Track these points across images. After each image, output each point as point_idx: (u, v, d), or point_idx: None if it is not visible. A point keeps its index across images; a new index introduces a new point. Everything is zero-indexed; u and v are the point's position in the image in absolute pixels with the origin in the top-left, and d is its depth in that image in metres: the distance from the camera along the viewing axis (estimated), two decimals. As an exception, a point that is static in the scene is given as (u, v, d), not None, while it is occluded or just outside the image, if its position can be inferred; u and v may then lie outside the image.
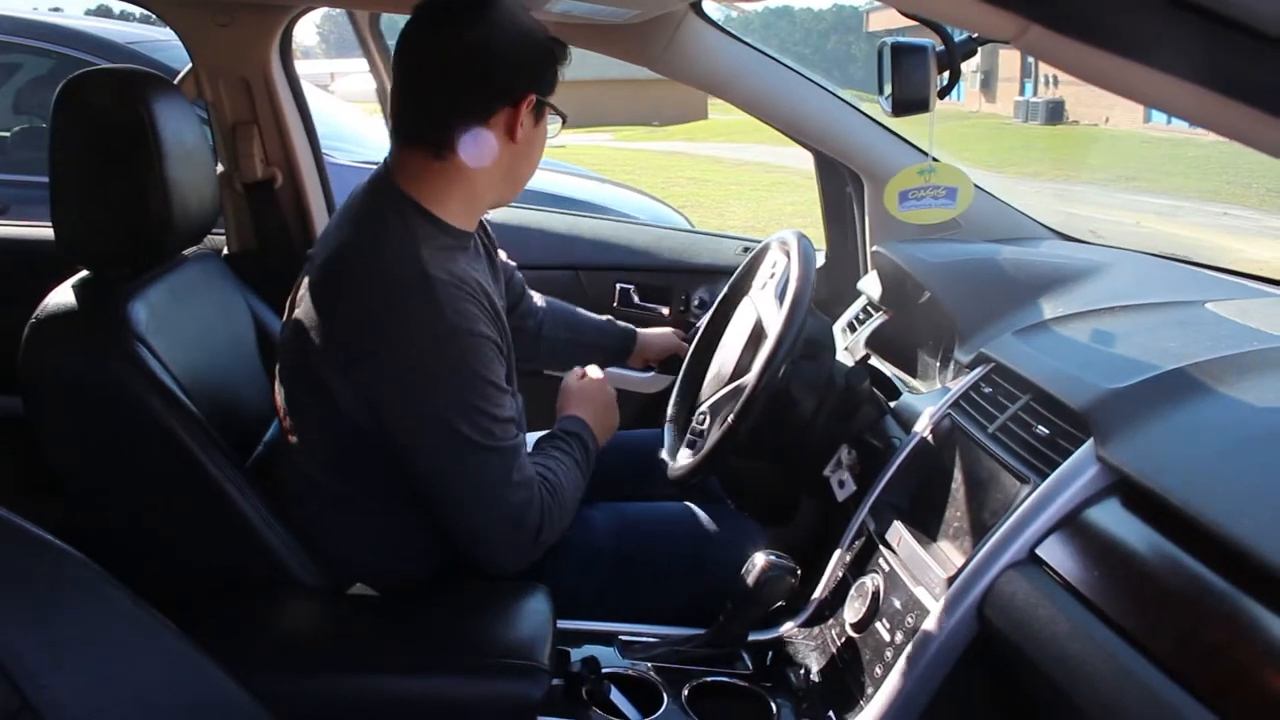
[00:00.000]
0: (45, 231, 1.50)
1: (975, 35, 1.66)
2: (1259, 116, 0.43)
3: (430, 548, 1.53)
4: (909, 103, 1.67)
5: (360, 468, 1.48)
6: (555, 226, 2.69)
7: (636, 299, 2.54)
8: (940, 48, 1.65)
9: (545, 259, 2.55)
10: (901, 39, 1.68)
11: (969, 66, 1.78)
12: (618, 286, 2.55)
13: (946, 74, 1.66)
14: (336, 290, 1.42)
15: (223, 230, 2.31)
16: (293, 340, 1.47)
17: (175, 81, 2.11)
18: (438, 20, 1.44)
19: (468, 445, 1.38)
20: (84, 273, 1.53)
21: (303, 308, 1.45)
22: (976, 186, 2.04)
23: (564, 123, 1.56)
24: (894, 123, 2.00)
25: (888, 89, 1.73)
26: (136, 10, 2.34)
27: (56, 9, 5.40)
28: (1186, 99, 0.45)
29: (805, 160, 2.29)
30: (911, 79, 1.65)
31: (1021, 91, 28.05)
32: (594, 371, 1.78)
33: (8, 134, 4.35)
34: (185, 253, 1.65)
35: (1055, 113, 26.04)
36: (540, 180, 4.86)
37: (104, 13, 6.89)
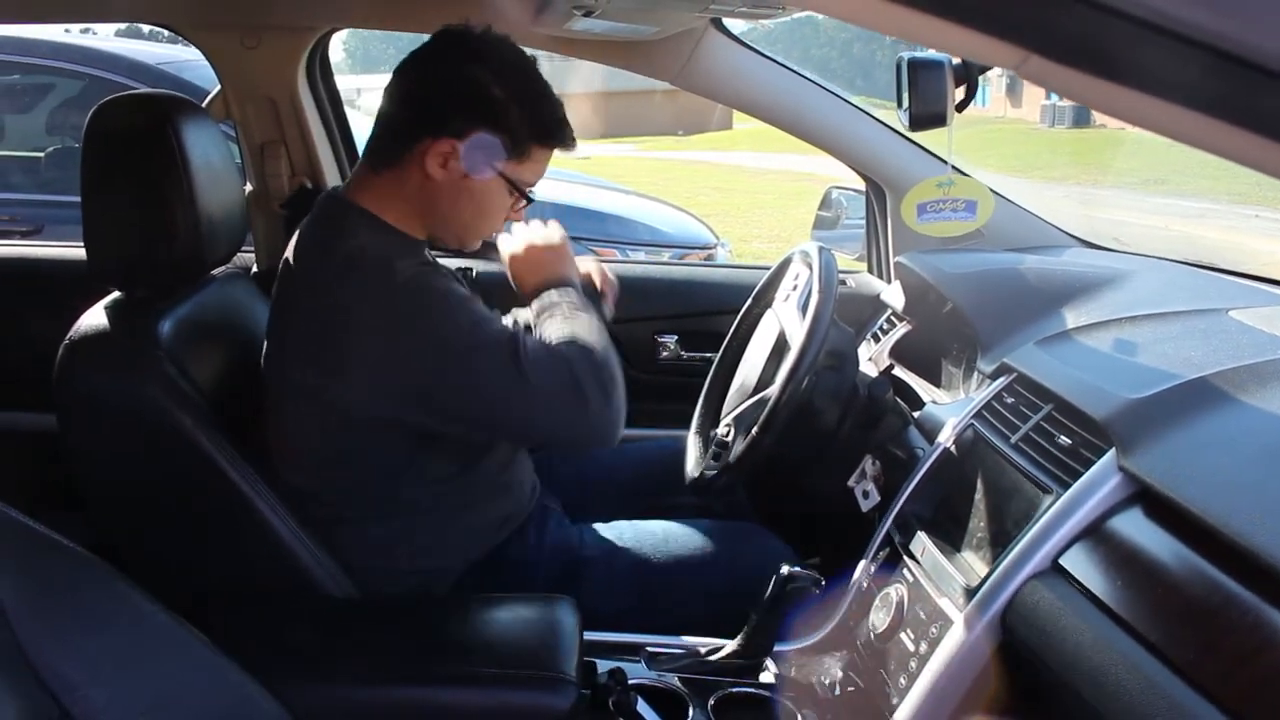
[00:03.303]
0: (78, 251, 1.53)
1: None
2: (1262, 143, 0.44)
3: (445, 550, 1.58)
4: (927, 117, 1.68)
5: (346, 474, 1.54)
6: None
7: (683, 351, 2.40)
8: (958, 61, 1.66)
9: None
10: (919, 53, 1.69)
11: (995, 71, 1.78)
12: (657, 340, 2.41)
13: (964, 87, 1.67)
14: (293, 294, 1.53)
15: (251, 248, 2.34)
16: (273, 354, 1.56)
17: (205, 103, 2.15)
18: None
19: (479, 356, 1.42)
20: (116, 294, 1.56)
21: (272, 322, 1.57)
22: (999, 195, 2.04)
23: (524, 202, 1.60)
24: (916, 133, 2.01)
25: (906, 103, 1.73)
26: (165, 31, 2.37)
27: (87, 30, 5.47)
28: (1191, 126, 0.45)
29: (830, 168, 2.30)
30: (929, 94, 1.65)
31: (1048, 96, 27.88)
32: (534, 229, 1.73)
33: (41, 155, 4.42)
34: (215, 272, 1.68)
35: (1082, 116, 25.85)
36: (565, 194, 4.91)
37: (134, 34, 6.96)
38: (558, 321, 1.51)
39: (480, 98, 1.48)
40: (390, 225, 1.53)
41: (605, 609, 1.60)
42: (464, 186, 1.51)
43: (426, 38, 1.55)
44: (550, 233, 1.71)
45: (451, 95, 1.49)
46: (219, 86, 2.22)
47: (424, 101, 1.51)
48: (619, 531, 1.72)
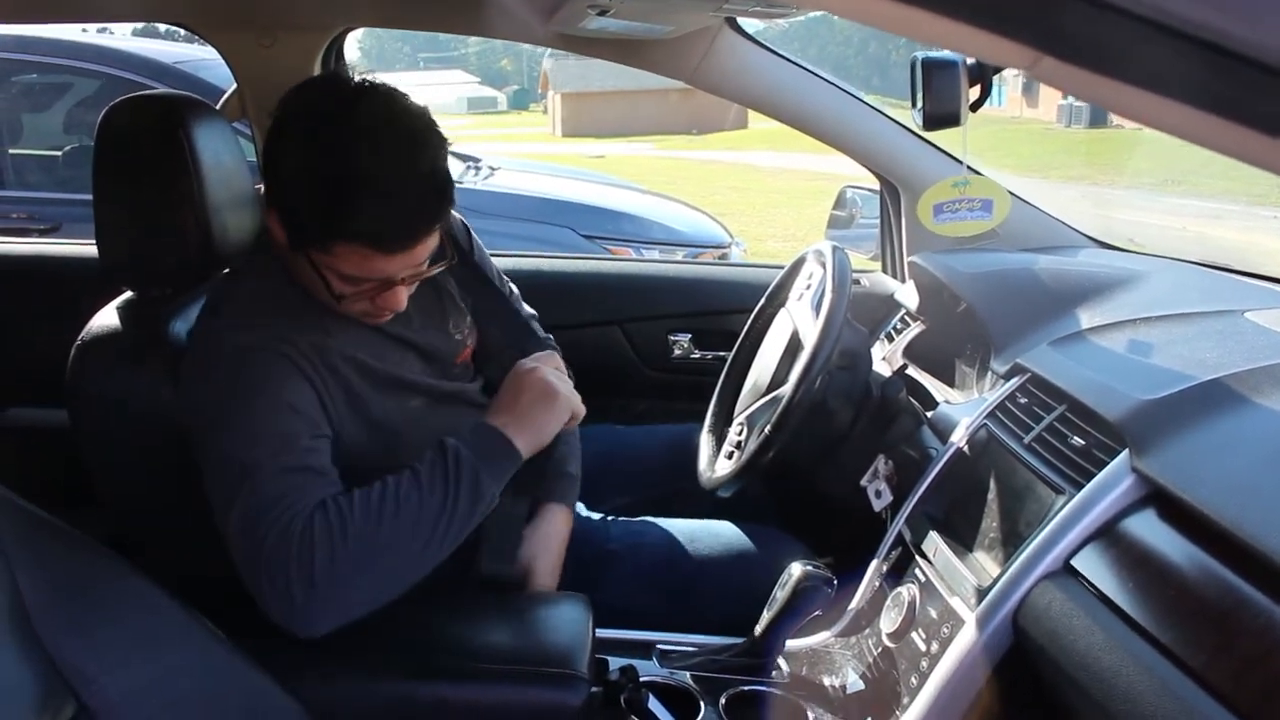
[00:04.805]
0: (94, 249, 1.54)
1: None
2: (1275, 145, 0.44)
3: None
4: (940, 117, 1.68)
5: None
6: (587, 278, 2.49)
7: (695, 350, 2.40)
8: (972, 61, 1.66)
9: (582, 316, 2.38)
10: (933, 53, 1.69)
11: (1010, 70, 1.78)
12: (670, 338, 2.41)
13: (979, 87, 1.67)
14: None
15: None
16: None
17: (220, 102, 2.16)
18: None
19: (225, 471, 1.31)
20: (128, 293, 1.57)
21: None
22: (1014, 195, 2.04)
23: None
24: (931, 132, 2.00)
25: (920, 103, 1.73)
26: (182, 30, 2.39)
27: (104, 30, 5.51)
28: (1203, 127, 0.45)
29: (846, 167, 2.30)
30: (942, 93, 1.65)
31: (1064, 95, 27.68)
32: (550, 362, 1.49)
33: (59, 153, 4.45)
34: (226, 272, 1.69)
35: (1099, 116, 25.74)
36: (580, 192, 4.91)
37: (150, 33, 6.99)
38: (404, 489, 1.30)
39: (281, 172, 1.37)
40: (282, 270, 1.46)
41: (627, 603, 1.61)
42: (291, 254, 1.41)
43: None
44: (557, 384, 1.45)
45: (270, 160, 1.39)
46: (234, 85, 2.23)
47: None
48: (646, 528, 1.73)
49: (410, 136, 1.33)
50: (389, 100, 1.35)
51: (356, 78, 1.39)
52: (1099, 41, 0.43)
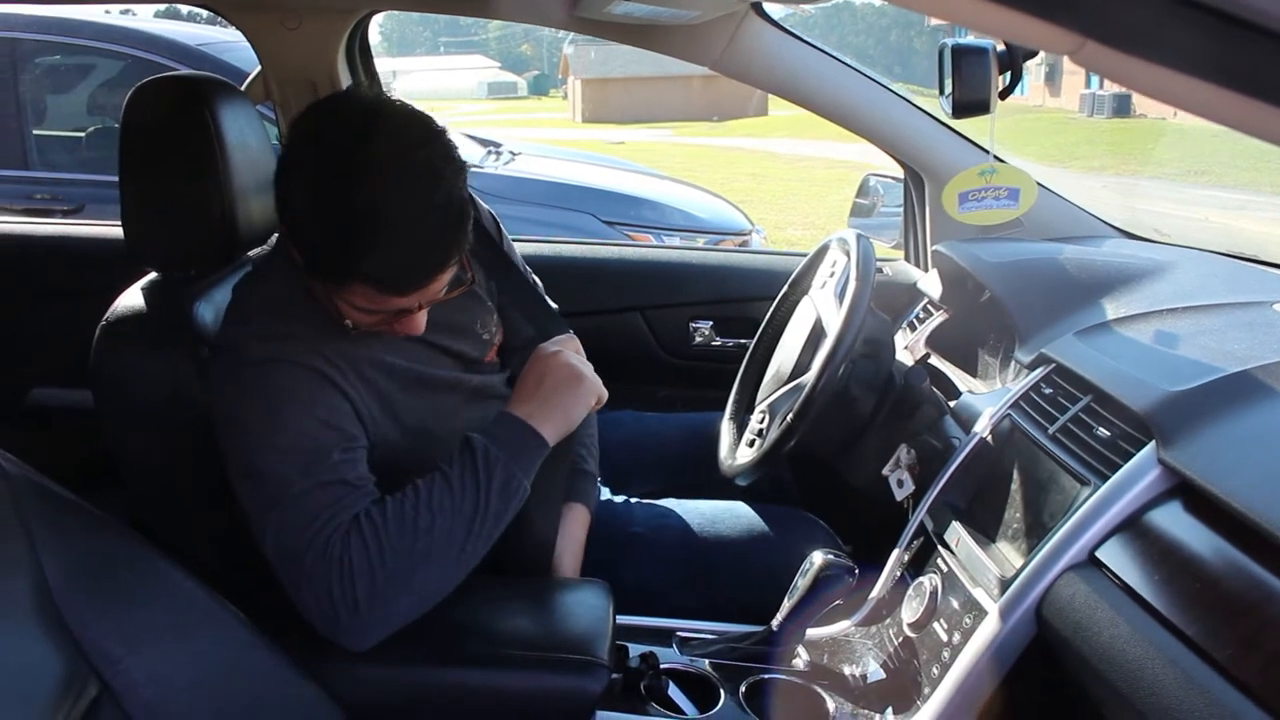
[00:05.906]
0: (118, 230, 1.54)
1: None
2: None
3: None
4: (969, 104, 1.66)
5: None
6: (608, 264, 2.50)
7: (716, 337, 2.39)
8: (1001, 48, 1.64)
9: (603, 302, 2.40)
10: (962, 40, 1.68)
11: (1033, 60, 1.77)
12: (691, 325, 2.41)
13: (1008, 74, 1.65)
14: None
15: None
16: None
17: (244, 85, 2.16)
18: None
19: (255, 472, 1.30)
20: (152, 274, 1.57)
21: None
22: (1039, 184, 2.02)
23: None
24: (956, 120, 1.99)
25: (948, 90, 1.72)
26: (204, 12, 2.39)
27: (128, 11, 5.52)
28: (1254, 115, 0.45)
29: (865, 155, 2.28)
30: (972, 80, 1.64)
31: (1087, 84, 27.54)
32: (570, 345, 1.49)
33: (82, 134, 4.47)
34: (251, 253, 1.69)
35: (1122, 106, 25.57)
36: (600, 178, 4.91)
37: (173, 15, 7.01)
38: (435, 496, 1.30)
39: (294, 201, 1.32)
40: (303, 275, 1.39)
41: (651, 587, 1.61)
42: (306, 274, 1.36)
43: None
44: (581, 367, 1.44)
45: (281, 184, 1.34)
46: (259, 67, 2.23)
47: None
48: (668, 510, 1.73)
49: (425, 168, 1.26)
50: (403, 128, 1.28)
51: (371, 95, 1.35)
52: (1146, 26, 0.42)
